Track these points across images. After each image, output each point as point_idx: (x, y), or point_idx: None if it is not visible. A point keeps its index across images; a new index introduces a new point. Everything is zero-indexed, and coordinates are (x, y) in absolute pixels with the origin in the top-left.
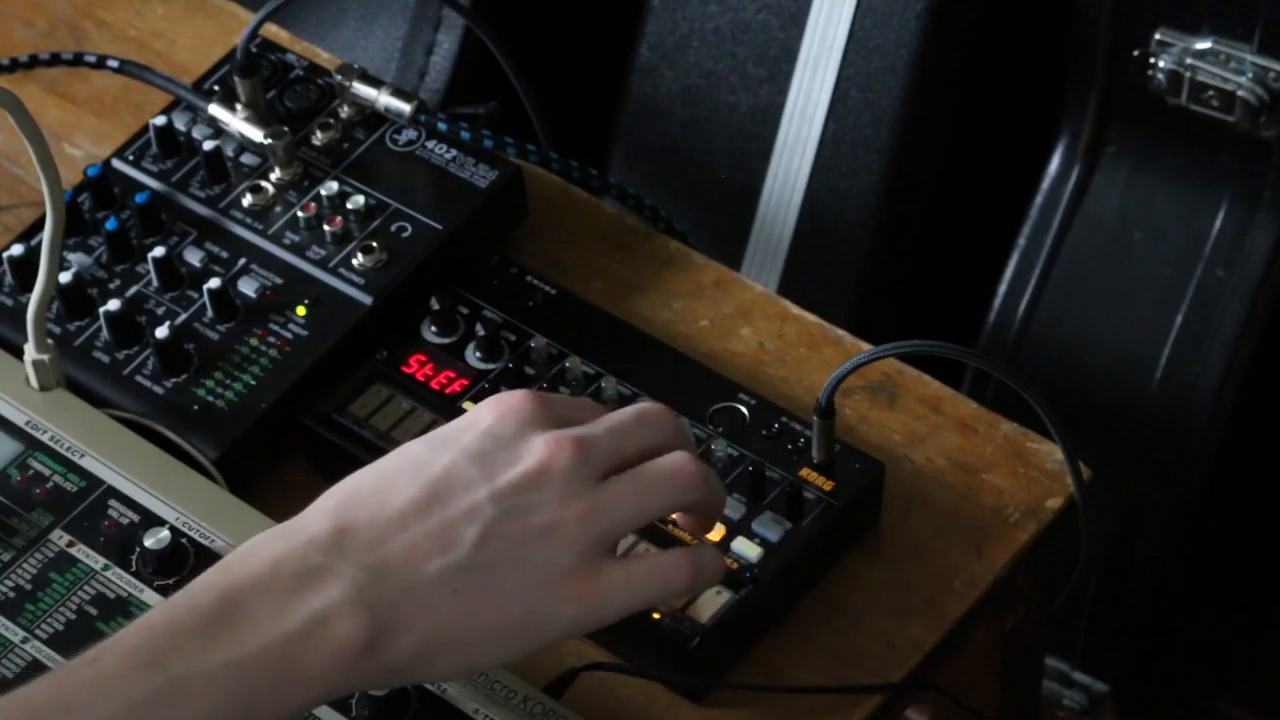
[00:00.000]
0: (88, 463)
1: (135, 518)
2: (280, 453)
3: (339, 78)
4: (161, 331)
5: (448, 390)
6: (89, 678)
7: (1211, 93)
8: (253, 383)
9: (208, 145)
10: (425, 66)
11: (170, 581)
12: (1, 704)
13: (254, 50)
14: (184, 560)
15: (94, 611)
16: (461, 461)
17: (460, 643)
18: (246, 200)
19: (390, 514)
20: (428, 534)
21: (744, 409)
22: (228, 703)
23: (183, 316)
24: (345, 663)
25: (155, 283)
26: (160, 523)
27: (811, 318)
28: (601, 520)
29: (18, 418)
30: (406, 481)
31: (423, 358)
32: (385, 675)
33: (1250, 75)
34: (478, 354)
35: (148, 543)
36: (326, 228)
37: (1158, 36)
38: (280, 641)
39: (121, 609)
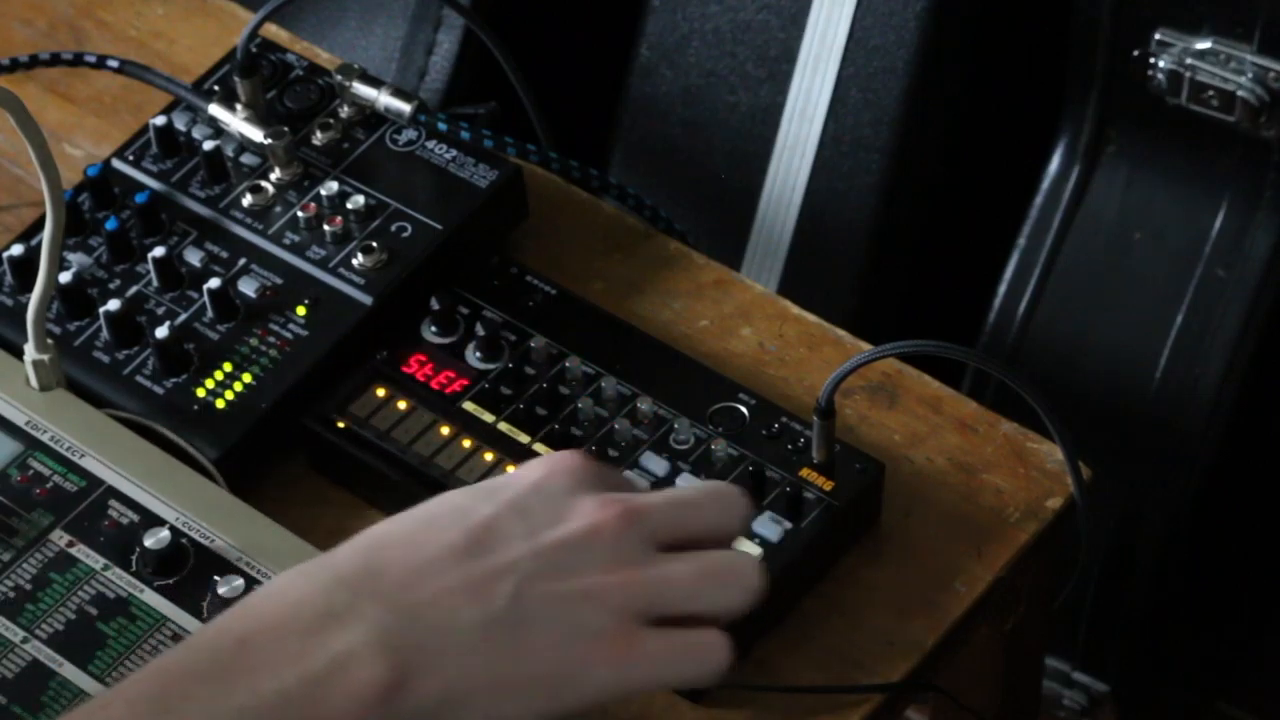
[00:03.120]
0: (88, 463)
1: (135, 518)
2: (280, 453)
3: (339, 78)
4: (161, 331)
5: (448, 390)
6: None
7: (1211, 93)
8: (253, 383)
9: (208, 145)
10: (425, 66)
11: (170, 581)
12: None
13: (254, 50)
14: (184, 560)
15: (94, 611)
16: (505, 514)
17: (484, 694)
18: (246, 200)
19: (424, 558)
20: (462, 582)
21: (744, 409)
22: None
23: (183, 316)
24: (364, 707)
25: (155, 283)
26: (160, 523)
27: (811, 318)
28: (648, 592)
29: (18, 418)
30: (445, 528)
31: (423, 358)
32: None
33: (1250, 75)
34: (478, 354)
35: (148, 543)
36: (326, 228)
37: (1158, 36)
38: (297, 685)
39: (121, 609)
